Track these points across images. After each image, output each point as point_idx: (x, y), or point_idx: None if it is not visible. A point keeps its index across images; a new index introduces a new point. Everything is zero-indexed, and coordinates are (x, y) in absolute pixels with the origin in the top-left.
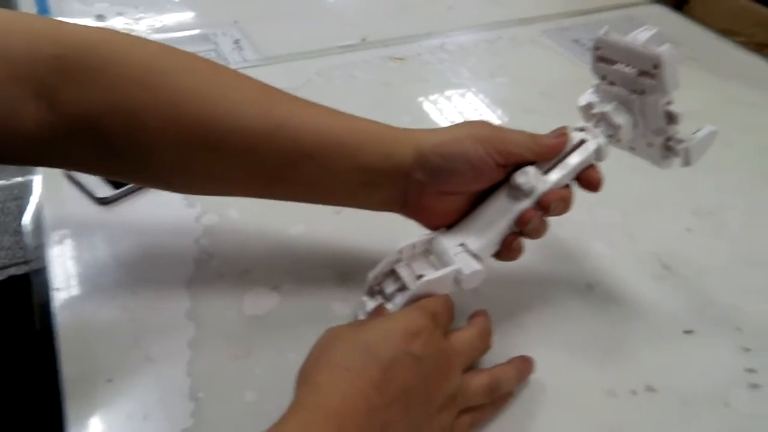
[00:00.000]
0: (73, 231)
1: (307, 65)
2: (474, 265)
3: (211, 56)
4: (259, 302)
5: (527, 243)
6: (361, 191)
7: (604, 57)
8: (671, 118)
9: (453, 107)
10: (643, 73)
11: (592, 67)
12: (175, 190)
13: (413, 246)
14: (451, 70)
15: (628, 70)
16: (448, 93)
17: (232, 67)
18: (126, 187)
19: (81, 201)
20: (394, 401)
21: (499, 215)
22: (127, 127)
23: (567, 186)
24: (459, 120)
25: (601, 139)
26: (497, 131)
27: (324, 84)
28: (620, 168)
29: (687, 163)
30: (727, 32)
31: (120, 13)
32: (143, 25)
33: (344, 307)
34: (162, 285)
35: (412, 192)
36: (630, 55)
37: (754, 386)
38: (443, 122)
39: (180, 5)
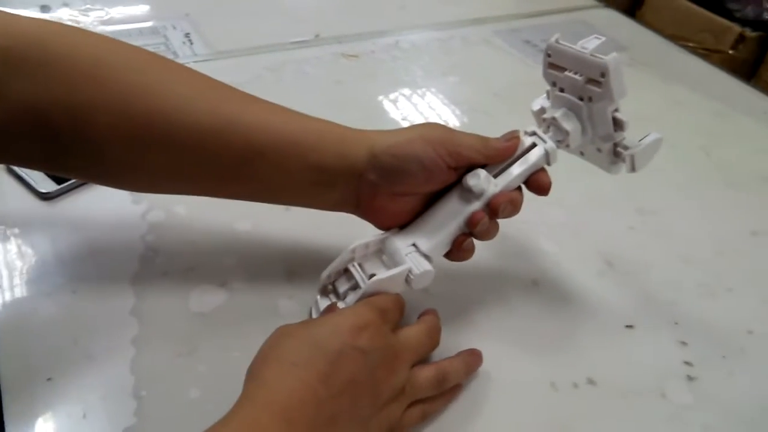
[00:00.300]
0: (14, 227)
1: (257, 60)
2: (424, 265)
3: (161, 50)
4: (205, 299)
5: (478, 242)
6: (314, 191)
7: (554, 64)
8: (618, 124)
9: (405, 105)
10: (590, 81)
11: (543, 74)
12: (126, 188)
13: (366, 245)
14: (403, 68)
15: (576, 77)
16: (400, 91)
17: (182, 61)
18: (69, 182)
19: (23, 196)
20: (341, 393)
21: (450, 217)
22: (75, 122)
23: (518, 189)
24: (411, 118)
25: (551, 144)
26: (449, 133)
27: (274, 79)
28: (567, 168)
29: (632, 169)
30: (677, 38)
31: (65, 4)
32: (90, 16)
33: (291, 304)
34: (105, 282)
35: (365, 193)
36: (579, 62)
37: (691, 378)
38: (395, 120)
39: None
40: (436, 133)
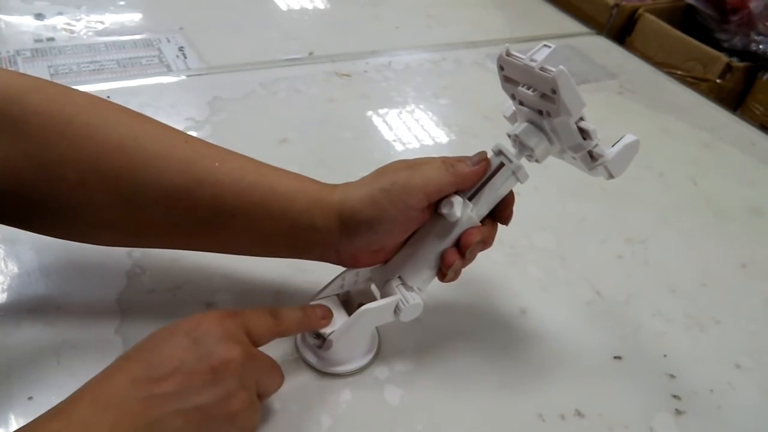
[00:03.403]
0: None
1: (250, 76)
2: (414, 299)
3: (154, 62)
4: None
5: (466, 268)
6: (290, 252)
7: (509, 77)
8: (585, 134)
9: (396, 125)
10: (544, 96)
11: (502, 87)
12: (98, 243)
13: (356, 273)
14: (395, 88)
15: (530, 92)
16: (391, 111)
17: (175, 75)
18: None
19: None
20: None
21: (431, 249)
22: (48, 180)
23: (489, 216)
24: (402, 138)
25: (516, 163)
26: (412, 175)
27: (267, 96)
28: (557, 193)
29: (610, 176)
30: (666, 65)
31: (60, 13)
32: (84, 26)
33: None
34: (91, 299)
35: (345, 252)
36: (530, 76)
37: (679, 412)
38: (386, 140)
39: (125, 7)
40: (399, 182)
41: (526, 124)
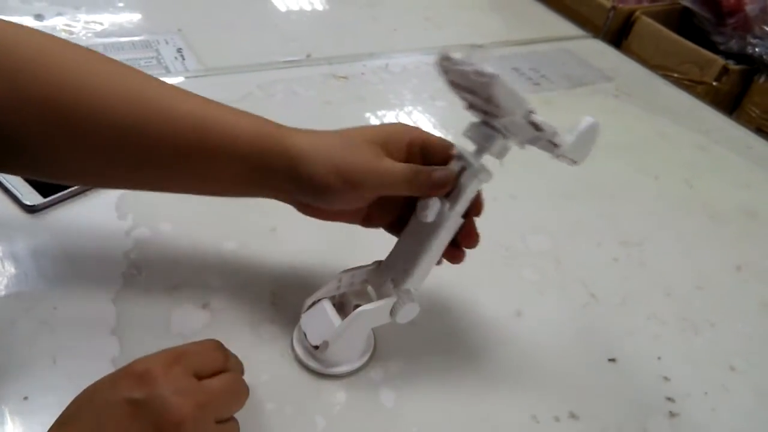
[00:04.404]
0: None
1: (248, 78)
2: (410, 300)
3: (152, 64)
4: (187, 320)
5: (461, 270)
6: (246, 192)
7: (453, 81)
8: (537, 127)
9: None
10: (486, 99)
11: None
12: (61, 182)
13: (353, 275)
14: (392, 91)
15: (471, 96)
16: (389, 113)
17: (174, 77)
18: (55, 195)
19: (7, 208)
20: None
21: (420, 249)
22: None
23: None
24: None
25: (477, 165)
26: (374, 171)
27: (264, 98)
28: (552, 196)
29: (573, 163)
30: (662, 68)
31: (60, 14)
32: (83, 27)
33: (274, 328)
34: (87, 299)
35: (300, 204)
36: (469, 81)
37: (673, 414)
38: None
39: (123, 9)
40: (357, 173)
41: (479, 123)
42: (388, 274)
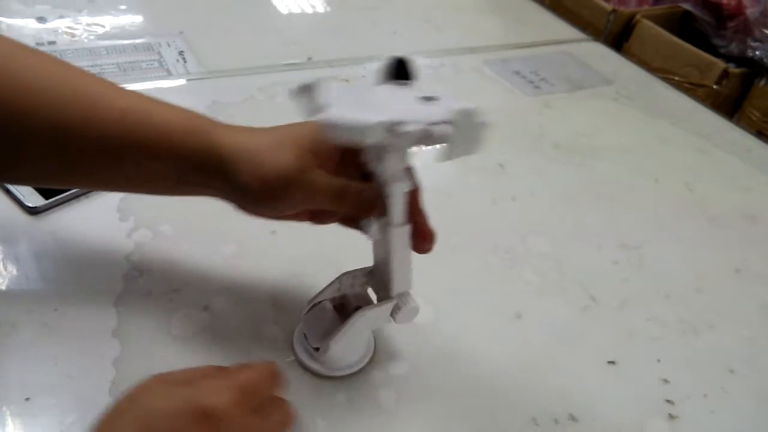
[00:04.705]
0: None
1: (250, 81)
2: (410, 302)
3: (154, 66)
4: (188, 323)
5: (461, 271)
6: (184, 192)
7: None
8: (396, 134)
9: None
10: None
11: None
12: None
13: (353, 276)
14: None
15: None
16: None
17: (175, 79)
18: (57, 197)
19: (9, 209)
20: None
21: (387, 259)
22: None
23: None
24: None
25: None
26: (296, 179)
27: (265, 101)
28: (552, 199)
29: (465, 154)
30: (663, 71)
31: (62, 16)
32: (85, 30)
33: (275, 330)
34: (88, 301)
35: (236, 203)
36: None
37: (672, 417)
38: None
39: (125, 12)
40: (282, 171)
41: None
42: (380, 277)
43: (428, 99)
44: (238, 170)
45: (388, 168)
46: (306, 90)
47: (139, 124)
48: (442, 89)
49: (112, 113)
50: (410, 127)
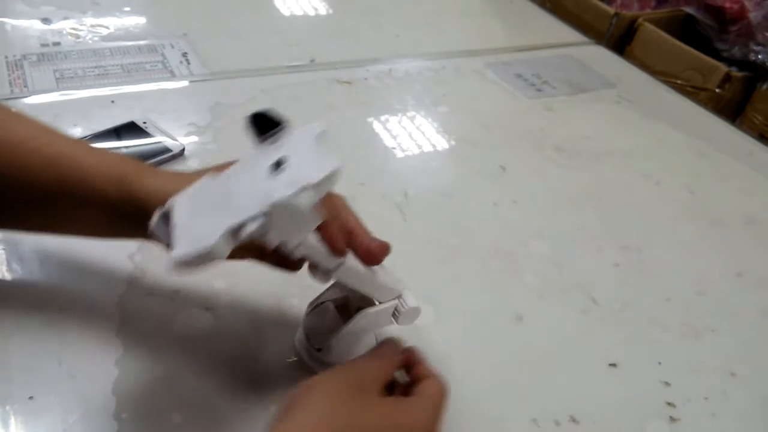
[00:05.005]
0: (2, 241)
1: (252, 82)
2: (412, 303)
3: (158, 68)
4: (191, 323)
5: (462, 273)
6: (122, 236)
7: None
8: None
9: (396, 132)
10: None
11: None
12: None
13: None
14: (395, 96)
15: None
16: (391, 118)
17: (179, 81)
18: None
19: None
20: None
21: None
22: None
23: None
24: (402, 144)
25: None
26: None
27: (268, 102)
28: (553, 202)
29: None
30: (665, 74)
31: (66, 17)
32: (90, 31)
33: (278, 331)
34: (92, 301)
35: None
36: None
37: (673, 419)
38: (386, 146)
39: (130, 13)
40: None
41: None
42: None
43: (278, 166)
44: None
45: (285, 242)
46: (164, 219)
47: (68, 172)
48: (298, 137)
49: (39, 159)
50: (250, 228)
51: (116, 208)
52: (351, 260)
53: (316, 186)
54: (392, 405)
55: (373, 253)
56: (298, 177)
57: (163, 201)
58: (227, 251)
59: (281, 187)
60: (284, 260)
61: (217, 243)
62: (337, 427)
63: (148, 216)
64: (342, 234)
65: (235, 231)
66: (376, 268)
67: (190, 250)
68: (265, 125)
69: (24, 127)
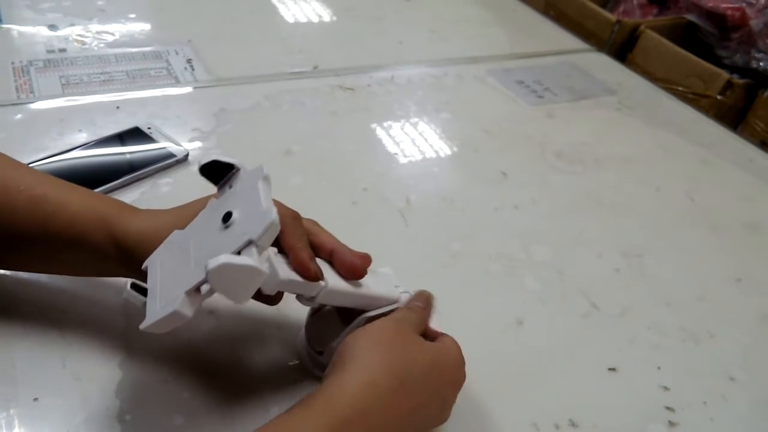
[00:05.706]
0: None
1: (256, 89)
2: None
3: (162, 74)
4: (194, 326)
5: (463, 278)
6: (103, 274)
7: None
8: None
9: (398, 139)
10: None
11: None
12: None
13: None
14: (397, 102)
15: None
16: (394, 124)
17: (183, 87)
18: None
19: None
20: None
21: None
22: None
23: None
24: (404, 150)
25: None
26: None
27: (271, 108)
28: (554, 208)
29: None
30: (667, 81)
31: (72, 24)
32: (96, 38)
33: (279, 334)
34: (96, 303)
35: None
36: None
37: (672, 424)
38: (388, 151)
39: (135, 20)
40: None
41: None
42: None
43: (226, 222)
44: (140, 258)
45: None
46: (134, 287)
47: (51, 214)
48: (246, 182)
49: (23, 201)
50: (204, 290)
51: (98, 250)
52: (333, 281)
53: (258, 240)
54: (431, 346)
55: (355, 267)
56: (241, 232)
57: (140, 243)
58: (192, 311)
59: (227, 245)
60: (261, 296)
61: (178, 308)
62: (388, 362)
63: (128, 257)
64: (312, 260)
65: (193, 293)
66: (364, 280)
67: (158, 316)
68: (217, 172)
69: (8, 169)
